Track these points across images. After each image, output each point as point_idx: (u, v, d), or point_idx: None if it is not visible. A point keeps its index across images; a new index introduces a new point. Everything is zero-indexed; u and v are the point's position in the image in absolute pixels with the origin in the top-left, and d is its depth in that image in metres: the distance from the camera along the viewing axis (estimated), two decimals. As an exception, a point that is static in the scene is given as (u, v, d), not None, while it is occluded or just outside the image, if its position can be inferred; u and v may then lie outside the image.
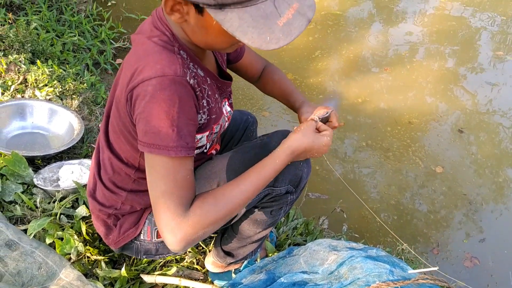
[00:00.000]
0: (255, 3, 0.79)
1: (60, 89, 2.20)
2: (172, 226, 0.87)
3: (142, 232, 1.20)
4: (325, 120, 1.19)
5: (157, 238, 1.20)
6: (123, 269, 1.37)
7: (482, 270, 2.15)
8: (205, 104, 1.01)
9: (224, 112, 1.16)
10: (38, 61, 2.40)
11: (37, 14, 3.20)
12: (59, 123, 1.96)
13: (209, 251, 1.52)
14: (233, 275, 1.44)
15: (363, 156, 2.66)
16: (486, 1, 4.27)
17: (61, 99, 2.14)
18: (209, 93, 1.02)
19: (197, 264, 1.51)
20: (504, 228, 2.37)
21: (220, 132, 1.17)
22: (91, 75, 2.81)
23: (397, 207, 2.36)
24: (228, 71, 1.26)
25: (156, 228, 1.19)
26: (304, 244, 1.58)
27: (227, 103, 1.16)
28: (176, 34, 0.95)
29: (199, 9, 0.84)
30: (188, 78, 0.91)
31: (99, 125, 2.05)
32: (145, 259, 1.45)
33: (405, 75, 3.33)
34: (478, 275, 2.15)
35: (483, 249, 2.26)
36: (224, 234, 1.36)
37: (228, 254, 1.37)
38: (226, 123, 1.18)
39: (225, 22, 0.79)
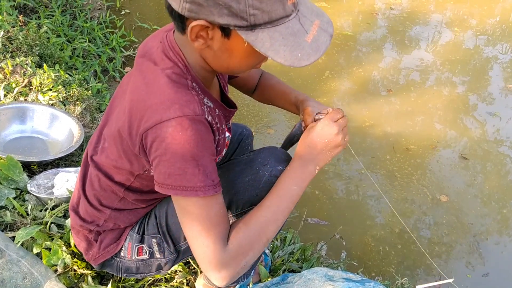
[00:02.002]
0: (283, 22, 0.80)
1: (64, 95, 2.18)
2: (214, 263, 0.88)
3: (123, 248, 1.15)
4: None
5: (137, 256, 1.15)
6: (109, 286, 1.32)
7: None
8: (216, 138, 0.99)
9: (226, 140, 1.13)
10: (45, 65, 2.39)
11: (50, 18, 3.21)
12: (59, 128, 1.93)
13: (201, 272, 1.46)
14: (224, 299, 1.38)
15: (367, 181, 2.60)
16: (498, 31, 4.23)
17: (64, 105, 2.12)
18: (218, 126, 1.00)
19: (187, 284, 1.45)
20: (508, 263, 2.29)
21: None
22: (98, 82, 2.80)
23: (401, 236, 2.29)
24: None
25: (137, 245, 1.14)
26: (300, 271, 1.52)
27: (225, 128, 1.12)
28: (189, 64, 0.92)
29: (226, 33, 0.82)
30: (206, 116, 0.89)
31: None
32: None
33: (413, 101, 3.28)
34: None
35: (487, 284, 2.17)
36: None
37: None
38: (225, 150, 1.14)
39: (256, 43, 0.79)
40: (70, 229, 1.46)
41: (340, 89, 3.32)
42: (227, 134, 1.15)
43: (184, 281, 1.45)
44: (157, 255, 1.15)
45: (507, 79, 3.65)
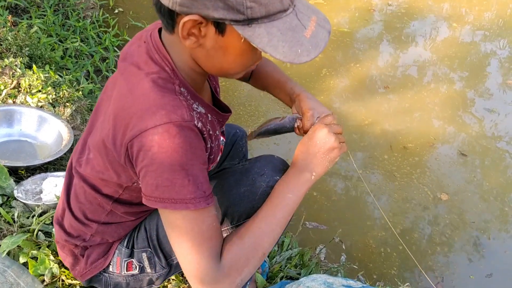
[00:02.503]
0: (281, 16, 0.76)
1: (54, 96, 2.11)
2: (207, 282, 0.83)
3: (111, 263, 1.09)
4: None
5: (126, 271, 1.09)
6: (98, 297, 1.26)
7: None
8: (209, 146, 0.93)
9: (221, 145, 1.07)
10: (34, 65, 2.32)
11: (42, 18, 3.14)
12: (48, 131, 1.87)
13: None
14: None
15: (366, 181, 2.55)
16: (496, 26, 4.17)
17: (54, 107, 2.06)
18: (211, 132, 0.94)
19: (181, 293, 1.40)
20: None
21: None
22: (90, 82, 2.73)
23: (402, 236, 2.24)
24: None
25: (127, 260, 1.08)
26: (298, 278, 1.47)
27: (219, 134, 1.05)
28: (177, 67, 0.86)
29: (221, 29, 0.77)
30: (196, 122, 0.83)
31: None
32: None
33: (410, 98, 3.22)
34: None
35: (490, 285, 2.12)
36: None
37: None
38: (219, 156, 1.08)
39: (254, 38, 0.74)
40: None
41: (337, 87, 3.26)
42: (221, 138, 1.09)
43: (177, 290, 1.40)
44: (148, 270, 1.08)
45: (505, 75, 3.61)
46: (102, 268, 1.08)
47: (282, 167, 1.04)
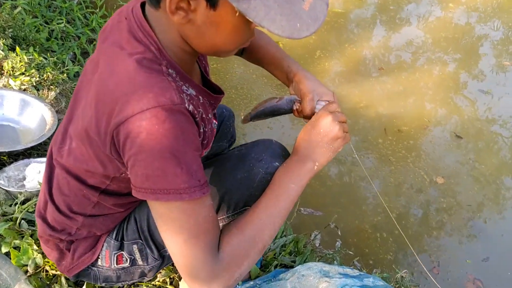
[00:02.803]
0: None
1: (38, 79, 2.03)
2: (204, 276, 0.78)
3: (100, 257, 1.02)
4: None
5: (117, 265, 1.02)
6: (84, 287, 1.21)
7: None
8: (201, 130, 0.86)
9: (213, 128, 1.00)
10: (17, 47, 2.23)
11: (27, -2, 3.02)
12: (31, 115, 1.79)
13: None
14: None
15: (364, 164, 2.50)
16: (490, 9, 4.11)
17: (37, 90, 1.97)
18: (203, 116, 0.87)
19: (171, 284, 1.34)
20: (508, 246, 2.21)
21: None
22: (77, 65, 2.64)
23: (399, 221, 2.20)
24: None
25: (116, 253, 1.01)
26: (293, 266, 1.42)
27: (212, 117, 0.98)
28: (163, 46, 0.79)
29: (212, 2, 0.70)
30: (186, 105, 0.76)
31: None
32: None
33: (404, 80, 3.17)
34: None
35: (487, 269, 2.10)
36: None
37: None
38: (212, 141, 1.01)
39: (249, 11, 0.67)
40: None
41: (331, 69, 3.20)
42: (214, 122, 1.02)
43: (168, 279, 1.34)
44: (140, 262, 1.02)
45: (499, 56, 3.57)
46: (90, 262, 1.01)
47: (281, 152, 0.98)
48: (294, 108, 1.03)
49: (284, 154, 0.97)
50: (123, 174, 0.87)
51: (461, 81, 3.25)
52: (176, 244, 0.77)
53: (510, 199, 2.45)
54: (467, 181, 2.50)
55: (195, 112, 0.80)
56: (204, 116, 0.87)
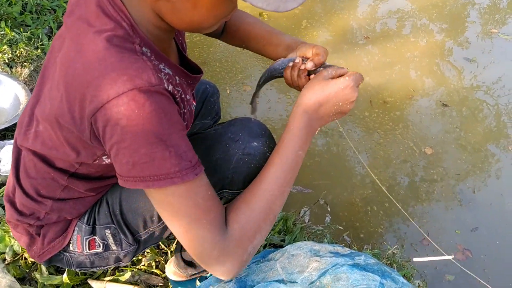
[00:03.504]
0: None
1: (10, 55, 1.93)
2: (216, 255, 0.75)
3: (71, 242, 0.96)
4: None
5: (89, 250, 0.97)
6: (65, 275, 1.16)
7: (474, 263, 2.00)
8: (181, 111, 0.80)
9: (192, 108, 0.93)
10: (-13, 22, 2.11)
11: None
12: (3, 95, 1.70)
13: (171, 255, 1.31)
14: (198, 283, 1.24)
15: (352, 137, 2.46)
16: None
17: (10, 67, 1.87)
18: (183, 96, 0.80)
19: (157, 267, 1.30)
20: (497, 216, 2.21)
21: None
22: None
23: (388, 193, 2.18)
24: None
25: (88, 238, 0.95)
26: (282, 246, 1.39)
27: (191, 98, 0.91)
28: (136, 22, 0.71)
29: None
30: (165, 85, 0.69)
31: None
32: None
33: (390, 49, 3.11)
34: (470, 268, 2.00)
35: (476, 239, 2.10)
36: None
37: (190, 264, 1.16)
38: (192, 123, 0.94)
39: None
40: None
41: (319, 39, 3.12)
42: (193, 103, 0.96)
43: (153, 263, 1.30)
44: (113, 247, 0.97)
45: (485, 24, 3.52)
46: (62, 247, 0.96)
47: (260, 131, 0.92)
48: (290, 65, 0.94)
49: (262, 133, 0.92)
50: (97, 161, 0.81)
51: (447, 49, 3.21)
52: (180, 228, 0.74)
53: (497, 167, 2.44)
54: (455, 150, 2.48)
55: (175, 92, 0.74)
56: (183, 96, 0.81)
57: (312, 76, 0.91)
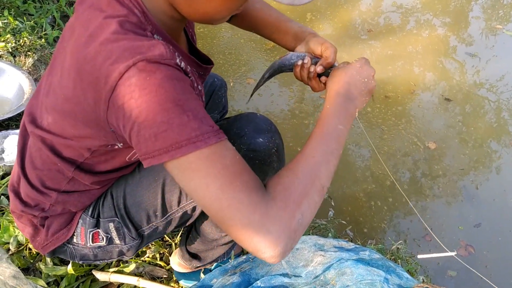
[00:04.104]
0: None
1: (14, 45, 1.91)
2: (258, 220, 0.63)
3: (75, 234, 0.96)
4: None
5: (92, 243, 0.96)
6: (69, 266, 1.16)
7: (476, 260, 2.00)
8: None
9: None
10: (-10, 10, 2.10)
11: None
12: (7, 84, 1.69)
13: (176, 247, 1.31)
14: (202, 275, 1.24)
15: (353, 134, 2.45)
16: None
17: (14, 56, 1.86)
18: (195, 85, 0.78)
19: (161, 259, 1.30)
20: (499, 212, 2.21)
21: None
22: (57, 29, 2.51)
23: (392, 189, 2.17)
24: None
25: (92, 231, 0.95)
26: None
27: (201, 87, 0.89)
28: (149, 10, 0.70)
29: None
30: (178, 61, 0.67)
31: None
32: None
33: (393, 44, 3.10)
34: (472, 264, 2.00)
35: (479, 235, 2.10)
36: (189, 234, 1.14)
37: (195, 256, 1.16)
38: None
39: None
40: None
41: (325, 32, 3.10)
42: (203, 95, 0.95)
43: (157, 255, 1.29)
44: (117, 241, 0.96)
45: (488, 20, 3.50)
46: (65, 239, 0.95)
47: (266, 127, 0.91)
48: (299, 63, 0.95)
49: (268, 128, 0.90)
50: (109, 146, 0.80)
51: (449, 44, 3.20)
52: (210, 198, 0.64)
53: (500, 163, 2.43)
54: (458, 145, 2.47)
55: (188, 71, 0.72)
56: (195, 85, 0.79)
57: (322, 78, 0.94)
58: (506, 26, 3.46)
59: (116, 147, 0.81)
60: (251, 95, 1.09)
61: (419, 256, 1.12)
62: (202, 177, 0.64)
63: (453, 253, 1.03)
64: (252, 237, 0.63)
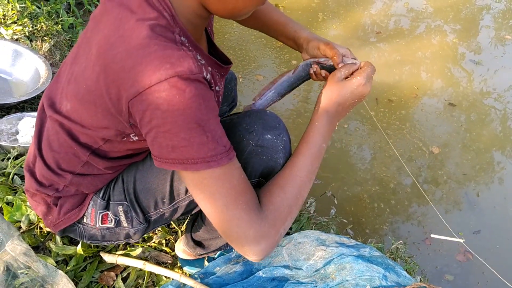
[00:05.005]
0: None
1: (31, 29, 1.95)
2: (252, 235, 0.78)
3: (86, 214, 0.99)
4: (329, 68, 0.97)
5: (101, 224, 1.00)
6: (79, 247, 1.19)
7: (474, 266, 2.03)
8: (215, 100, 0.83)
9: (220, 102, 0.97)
10: (9, -6, 2.13)
11: None
12: (23, 67, 1.72)
13: (181, 234, 1.34)
14: (206, 263, 1.27)
15: (358, 135, 2.48)
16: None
17: (30, 40, 1.90)
18: (215, 88, 0.84)
19: (167, 245, 1.33)
20: (499, 219, 2.23)
21: None
22: (71, 16, 2.54)
23: (396, 192, 2.20)
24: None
25: (102, 212, 0.99)
26: (289, 233, 1.42)
27: (220, 86, 0.94)
28: (177, 12, 0.75)
29: None
30: (204, 73, 0.72)
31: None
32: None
33: (400, 47, 3.12)
34: (469, 270, 2.03)
35: (478, 241, 2.12)
36: (194, 222, 1.18)
37: (199, 244, 1.19)
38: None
39: None
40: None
41: (334, 33, 3.12)
42: (221, 95, 0.98)
43: (163, 241, 1.33)
44: (124, 224, 1.00)
45: (498, 29, 3.51)
46: (76, 219, 0.99)
47: (274, 123, 0.94)
48: (311, 71, 0.99)
49: (277, 125, 0.93)
50: (124, 138, 0.84)
51: (457, 51, 3.22)
52: (216, 210, 0.77)
53: (503, 170, 2.46)
54: (461, 150, 2.50)
55: (212, 81, 0.77)
56: (215, 88, 0.84)
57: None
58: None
59: (131, 139, 0.85)
60: (266, 107, 1.10)
61: (432, 235, 1.19)
62: (211, 193, 0.75)
63: (461, 240, 1.12)
64: (244, 246, 0.79)
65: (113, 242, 1.06)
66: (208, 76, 0.74)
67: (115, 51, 0.71)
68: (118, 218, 1.00)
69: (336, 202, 1.96)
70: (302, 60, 1.03)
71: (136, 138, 0.84)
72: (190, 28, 0.78)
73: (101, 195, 0.99)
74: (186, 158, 0.72)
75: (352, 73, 0.90)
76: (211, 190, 0.75)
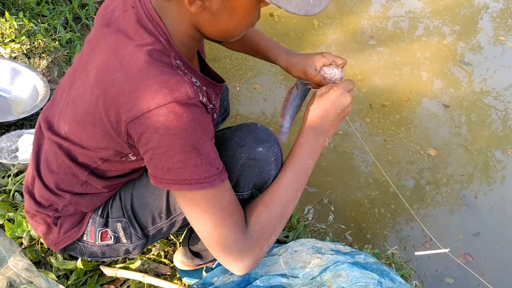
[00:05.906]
0: None
1: (28, 46, 1.98)
2: (236, 253, 0.82)
3: (85, 232, 1.02)
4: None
5: (101, 241, 1.02)
6: (79, 261, 1.21)
7: (474, 268, 2.04)
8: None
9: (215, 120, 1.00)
10: (6, 12, 2.16)
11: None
12: (22, 85, 1.75)
13: (179, 245, 1.36)
14: (204, 273, 1.29)
15: (354, 140, 2.50)
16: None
17: (28, 58, 1.93)
18: (210, 107, 0.87)
19: (165, 257, 1.35)
20: (498, 221, 2.25)
21: None
22: (69, 31, 2.58)
23: (395, 196, 2.22)
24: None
25: (101, 230, 1.01)
26: (286, 242, 1.44)
27: (215, 107, 0.98)
28: (171, 36, 0.78)
29: None
30: (201, 97, 0.76)
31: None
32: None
33: (396, 51, 3.15)
34: (469, 273, 2.03)
35: (477, 243, 2.13)
36: (192, 233, 1.20)
37: (196, 255, 1.21)
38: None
39: None
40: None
41: (330, 38, 3.15)
42: (216, 113, 1.01)
43: (162, 253, 1.35)
44: (123, 240, 1.02)
45: (496, 29, 3.54)
46: (76, 237, 1.01)
47: (266, 137, 0.95)
48: (310, 86, 1.06)
49: (268, 138, 0.95)
50: (123, 158, 0.87)
51: (448, 53, 3.25)
52: (205, 228, 0.80)
53: (500, 171, 2.47)
54: (458, 152, 2.51)
55: (208, 103, 0.81)
56: (210, 107, 0.87)
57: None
58: (510, 37, 3.50)
59: (130, 159, 0.88)
60: (286, 127, 1.11)
61: (416, 253, 1.22)
62: (202, 213, 0.79)
63: (446, 250, 1.11)
64: (229, 263, 0.83)
65: (113, 258, 1.09)
66: (204, 100, 0.78)
67: (114, 75, 0.74)
68: (117, 235, 1.02)
69: (332, 208, 1.97)
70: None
71: (134, 158, 0.87)
72: (184, 50, 0.81)
73: (99, 213, 1.02)
74: (181, 179, 0.75)
75: None
76: (202, 210, 0.79)
